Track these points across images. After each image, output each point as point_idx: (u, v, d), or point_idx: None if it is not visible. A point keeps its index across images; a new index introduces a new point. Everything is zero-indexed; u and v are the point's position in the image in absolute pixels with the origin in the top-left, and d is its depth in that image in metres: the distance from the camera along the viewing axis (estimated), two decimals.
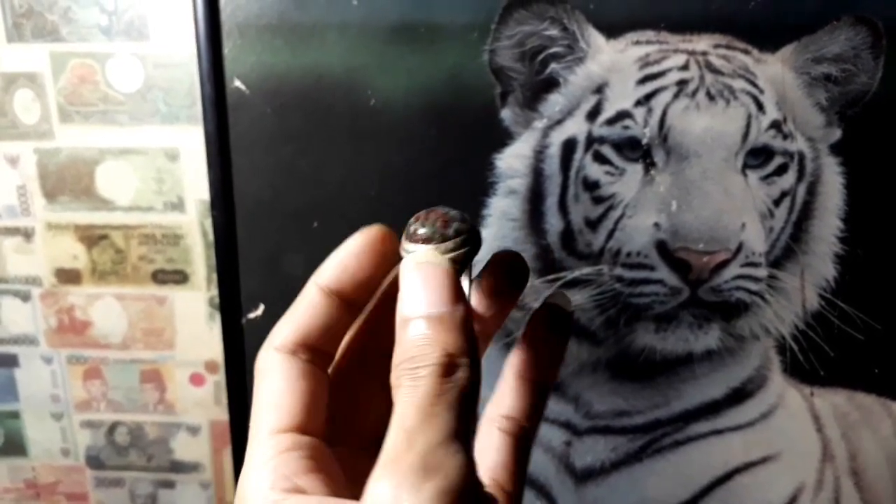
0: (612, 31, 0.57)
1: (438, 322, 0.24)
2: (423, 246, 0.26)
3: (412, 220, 0.27)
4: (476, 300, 0.28)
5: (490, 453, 0.28)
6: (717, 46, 0.56)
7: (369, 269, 0.27)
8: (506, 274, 0.28)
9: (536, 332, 0.29)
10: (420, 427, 0.22)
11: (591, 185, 0.59)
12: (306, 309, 0.27)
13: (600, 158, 0.58)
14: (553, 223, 0.60)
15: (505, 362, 0.29)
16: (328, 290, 0.27)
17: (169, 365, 0.71)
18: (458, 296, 0.24)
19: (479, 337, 0.26)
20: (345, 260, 0.27)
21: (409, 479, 0.21)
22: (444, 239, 0.26)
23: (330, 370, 0.28)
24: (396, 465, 0.22)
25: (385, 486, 0.21)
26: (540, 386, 0.29)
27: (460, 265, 0.27)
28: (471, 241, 0.26)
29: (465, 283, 0.28)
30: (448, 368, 0.23)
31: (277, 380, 0.26)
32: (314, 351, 0.27)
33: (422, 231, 0.26)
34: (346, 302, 0.27)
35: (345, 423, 0.28)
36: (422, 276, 0.25)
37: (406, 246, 0.26)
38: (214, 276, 0.67)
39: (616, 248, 0.59)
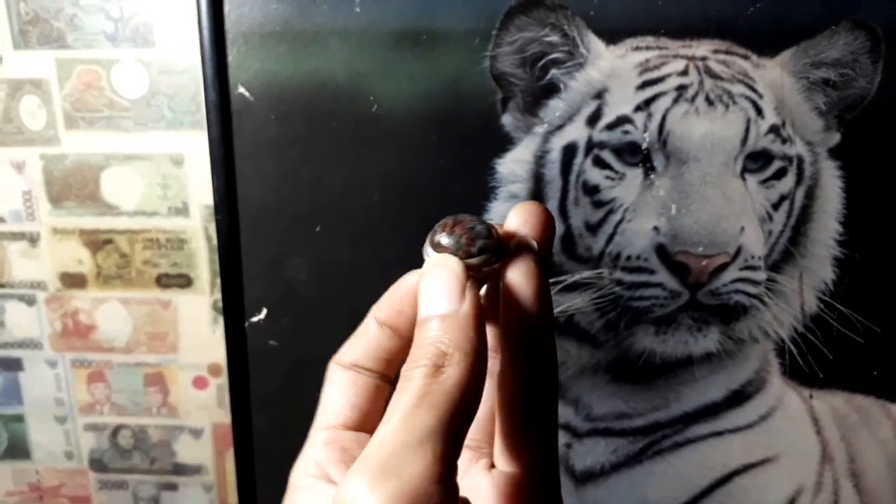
0: (611, 36, 0.57)
1: (440, 322, 0.24)
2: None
3: (438, 227, 0.27)
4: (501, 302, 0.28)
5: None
6: (716, 52, 0.57)
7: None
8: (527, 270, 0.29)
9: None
10: (396, 427, 0.22)
11: (591, 190, 0.59)
12: (361, 336, 0.29)
13: (600, 163, 0.59)
14: None
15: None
16: (383, 323, 0.29)
17: (172, 368, 0.71)
18: (462, 295, 0.25)
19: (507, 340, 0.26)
20: (396, 304, 0.28)
21: (367, 479, 0.21)
22: (468, 255, 0.26)
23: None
24: (363, 463, 0.22)
25: (348, 482, 0.22)
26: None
27: (480, 281, 0.26)
28: (495, 258, 0.26)
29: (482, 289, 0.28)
30: (437, 368, 0.23)
31: (331, 387, 0.29)
32: (371, 369, 0.29)
33: (445, 242, 0.26)
34: (399, 333, 0.29)
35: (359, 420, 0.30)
36: (431, 279, 0.25)
37: (427, 251, 0.27)
38: (218, 281, 0.67)
39: (616, 252, 0.59)
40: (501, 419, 0.27)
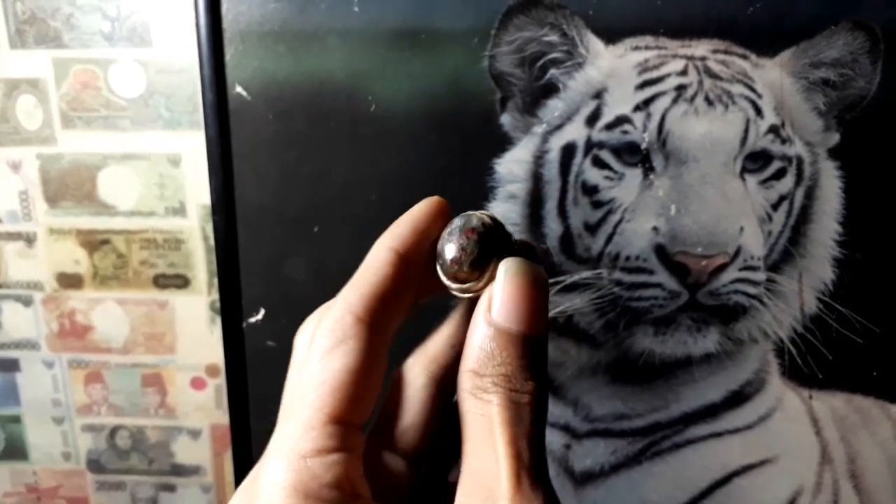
0: (611, 36, 0.57)
1: (539, 345, 0.22)
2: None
3: (462, 231, 0.25)
4: None
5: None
6: (715, 51, 0.57)
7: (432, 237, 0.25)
8: None
9: None
10: (537, 465, 0.21)
11: (590, 190, 0.59)
12: (383, 274, 0.24)
13: (599, 163, 0.58)
14: (552, 227, 0.60)
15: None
16: (405, 255, 0.24)
17: (170, 369, 0.71)
18: (545, 317, 0.23)
19: None
20: (420, 225, 0.25)
21: None
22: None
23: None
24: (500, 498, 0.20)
25: None
26: None
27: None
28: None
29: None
30: (543, 400, 0.22)
31: (351, 355, 0.22)
32: (387, 323, 0.24)
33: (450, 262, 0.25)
34: (414, 268, 0.25)
35: (390, 422, 0.27)
36: (530, 288, 0.23)
37: (444, 254, 0.25)
38: (215, 281, 0.67)
39: (615, 252, 0.59)
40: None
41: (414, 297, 0.25)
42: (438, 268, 0.25)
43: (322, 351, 0.23)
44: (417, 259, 0.25)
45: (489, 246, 0.24)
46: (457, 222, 0.25)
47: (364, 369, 0.22)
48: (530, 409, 0.21)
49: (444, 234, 0.25)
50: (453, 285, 0.25)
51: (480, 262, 0.24)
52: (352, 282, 0.24)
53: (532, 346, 0.22)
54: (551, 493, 0.21)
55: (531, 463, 0.21)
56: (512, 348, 0.22)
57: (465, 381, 0.22)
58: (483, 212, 0.26)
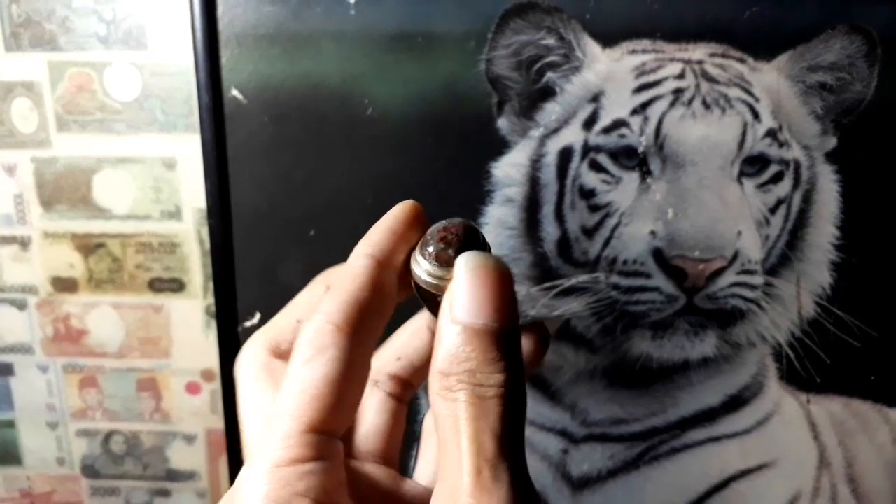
0: (608, 40, 0.57)
1: (505, 337, 0.22)
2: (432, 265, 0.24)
3: (436, 236, 0.25)
4: None
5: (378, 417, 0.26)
6: (712, 55, 0.57)
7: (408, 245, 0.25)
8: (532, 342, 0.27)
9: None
10: (500, 457, 0.21)
11: (587, 194, 0.59)
12: (362, 282, 0.24)
13: (596, 167, 0.58)
14: (549, 231, 0.60)
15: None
16: (384, 261, 0.24)
17: (165, 374, 0.71)
18: (514, 307, 0.23)
19: None
20: (398, 229, 0.25)
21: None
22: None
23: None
24: (463, 495, 0.20)
25: None
26: None
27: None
28: None
29: None
30: (515, 391, 0.22)
31: (332, 364, 0.22)
32: (369, 333, 0.24)
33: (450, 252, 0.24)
34: (392, 277, 0.24)
35: (351, 432, 0.27)
36: (488, 279, 0.23)
37: (419, 261, 0.25)
38: (211, 285, 0.66)
39: (612, 256, 0.59)
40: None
41: (394, 303, 0.25)
42: (413, 273, 0.25)
43: (301, 361, 0.23)
44: (395, 264, 0.25)
45: (461, 251, 0.24)
46: (432, 229, 0.25)
47: (344, 378, 0.22)
48: (498, 401, 0.21)
49: (420, 241, 0.25)
50: (426, 291, 0.25)
51: (451, 265, 0.24)
52: (330, 291, 0.24)
53: (498, 338, 0.22)
54: (519, 488, 0.20)
55: (496, 457, 0.20)
56: (476, 343, 0.22)
57: (434, 383, 0.22)
58: (462, 219, 0.26)
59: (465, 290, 0.22)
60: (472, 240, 0.24)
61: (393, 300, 0.25)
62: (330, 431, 0.22)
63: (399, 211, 0.25)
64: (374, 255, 0.24)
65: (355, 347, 0.23)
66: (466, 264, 0.23)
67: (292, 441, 0.21)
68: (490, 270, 0.23)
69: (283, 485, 0.21)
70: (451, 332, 0.22)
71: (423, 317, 0.28)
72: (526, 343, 0.28)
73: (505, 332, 0.22)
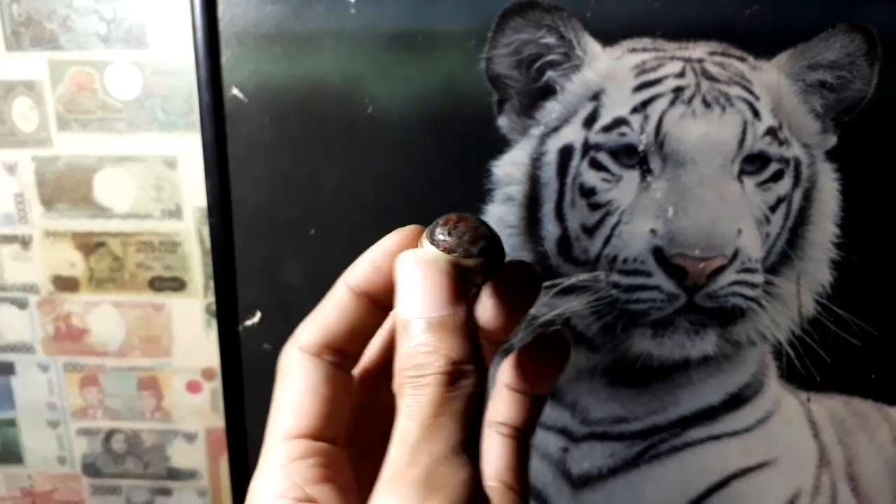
0: (608, 38, 0.57)
1: (440, 326, 0.23)
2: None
3: (440, 221, 0.25)
4: (487, 308, 0.27)
5: (492, 456, 0.27)
6: (713, 54, 0.57)
7: None
8: (518, 284, 0.27)
9: (536, 351, 0.29)
10: (423, 440, 0.21)
11: (587, 192, 0.59)
12: (334, 309, 0.26)
13: (597, 165, 0.58)
14: (550, 230, 0.60)
15: (498, 371, 0.29)
16: (358, 290, 0.26)
17: (166, 372, 0.71)
18: (460, 298, 0.24)
19: (487, 345, 0.26)
20: (377, 260, 0.26)
21: (411, 497, 0.21)
22: (467, 255, 0.25)
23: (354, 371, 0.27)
24: (398, 481, 0.21)
25: (389, 501, 0.21)
26: (535, 398, 0.28)
27: (477, 286, 0.26)
28: (493, 263, 0.25)
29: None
30: (453, 377, 0.22)
31: (298, 382, 0.25)
32: (340, 353, 0.26)
33: (447, 239, 0.25)
34: (376, 304, 0.26)
35: (355, 424, 0.27)
36: (421, 275, 0.24)
37: (425, 246, 0.25)
38: (211, 284, 0.67)
39: (613, 255, 0.59)
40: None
41: (371, 327, 0.26)
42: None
43: (277, 381, 0.26)
44: (374, 292, 0.26)
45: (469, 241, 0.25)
46: (437, 221, 0.26)
47: (311, 392, 0.25)
48: (435, 388, 0.22)
49: (426, 230, 0.26)
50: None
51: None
52: (310, 315, 0.26)
53: (435, 327, 0.23)
54: (449, 476, 0.21)
55: (416, 443, 0.21)
56: (418, 336, 0.23)
57: (393, 385, 0.23)
58: (463, 213, 0.26)
59: (398, 290, 0.24)
60: (475, 229, 0.25)
61: (369, 322, 0.26)
62: (312, 436, 0.25)
63: (388, 242, 0.26)
64: (349, 283, 0.26)
65: (320, 365, 0.25)
66: (395, 265, 0.25)
67: (279, 446, 0.24)
68: (413, 264, 0.24)
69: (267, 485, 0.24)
70: (397, 333, 0.24)
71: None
72: (545, 356, 0.29)
73: (442, 318, 0.23)
